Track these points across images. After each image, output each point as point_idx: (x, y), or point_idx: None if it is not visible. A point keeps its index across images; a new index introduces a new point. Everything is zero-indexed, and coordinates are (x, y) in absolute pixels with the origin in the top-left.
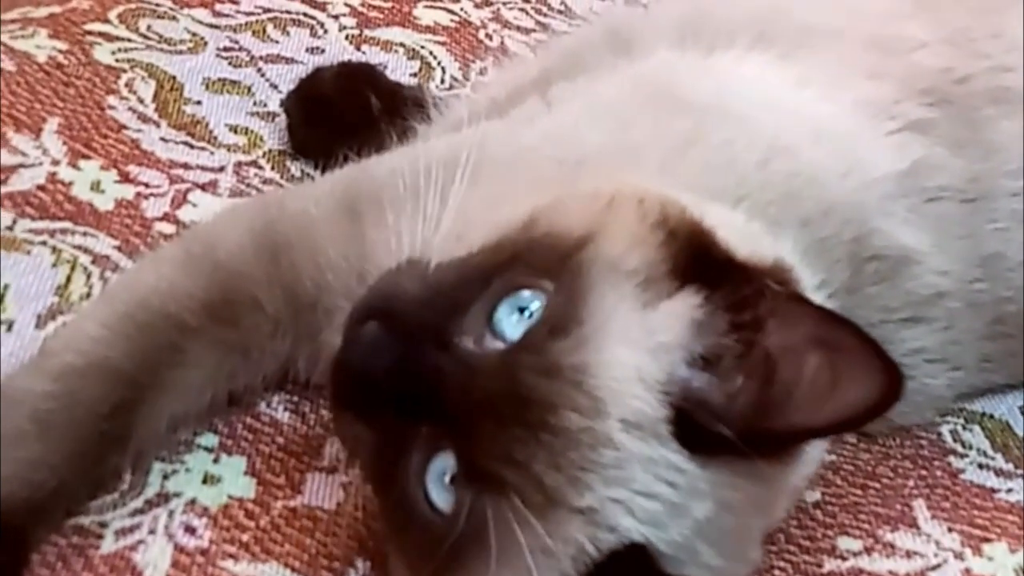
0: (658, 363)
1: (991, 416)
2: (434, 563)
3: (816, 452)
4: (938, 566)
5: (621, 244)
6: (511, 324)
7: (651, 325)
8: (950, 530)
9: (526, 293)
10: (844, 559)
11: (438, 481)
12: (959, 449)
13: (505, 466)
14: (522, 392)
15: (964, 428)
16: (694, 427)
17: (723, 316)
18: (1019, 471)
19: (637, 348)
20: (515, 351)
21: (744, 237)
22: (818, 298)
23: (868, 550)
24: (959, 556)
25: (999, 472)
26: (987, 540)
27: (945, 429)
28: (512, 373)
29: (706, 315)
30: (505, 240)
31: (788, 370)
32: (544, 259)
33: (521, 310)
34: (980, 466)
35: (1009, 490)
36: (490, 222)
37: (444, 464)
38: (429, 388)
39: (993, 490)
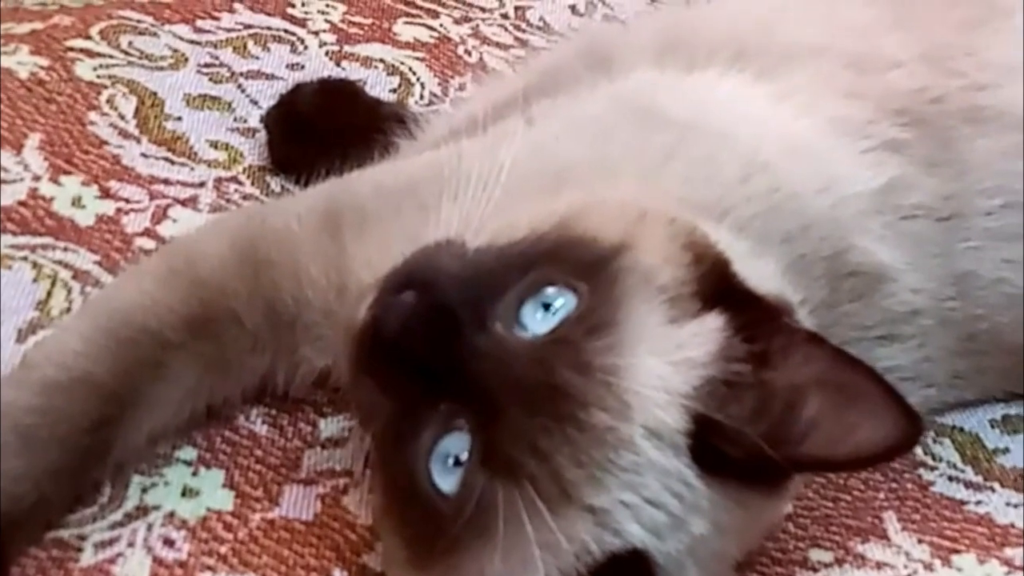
0: (682, 377)
1: (961, 429)
2: (435, 546)
3: (793, 489)
4: None
5: (653, 259)
6: (534, 319)
7: (677, 340)
8: (920, 541)
9: (552, 290)
10: (815, 571)
11: (442, 461)
12: (929, 462)
13: (527, 454)
14: (556, 383)
15: (934, 441)
16: (705, 445)
17: (741, 345)
18: (988, 484)
19: (664, 360)
20: (550, 343)
21: (748, 267)
22: (799, 315)
23: (839, 562)
24: (929, 567)
25: (968, 484)
26: (956, 551)
27: None
28: (548, 363)
29: (727, 340)
30: (542, 235)
31: (802, 405)
32: (580, 260)
33: (546, 306)
34: (950, 478)
35: (978, 502)
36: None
37: (453, 444)
38: (461, 365)
39: (962, 502)
